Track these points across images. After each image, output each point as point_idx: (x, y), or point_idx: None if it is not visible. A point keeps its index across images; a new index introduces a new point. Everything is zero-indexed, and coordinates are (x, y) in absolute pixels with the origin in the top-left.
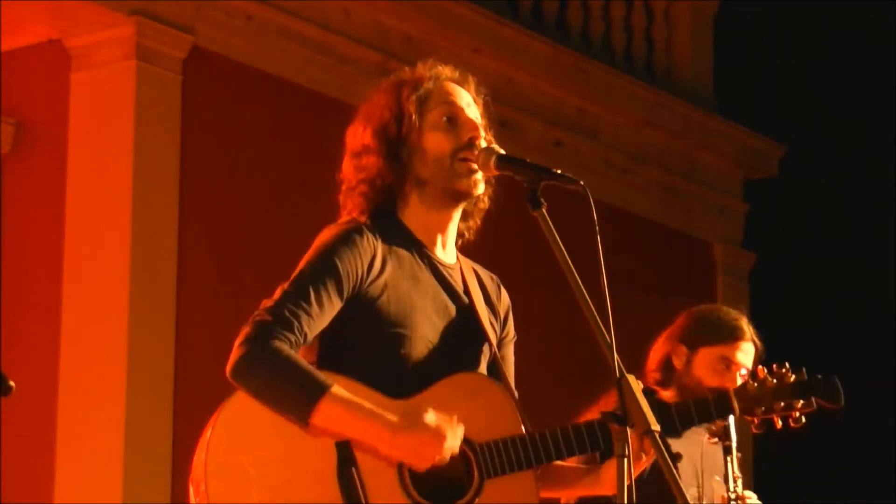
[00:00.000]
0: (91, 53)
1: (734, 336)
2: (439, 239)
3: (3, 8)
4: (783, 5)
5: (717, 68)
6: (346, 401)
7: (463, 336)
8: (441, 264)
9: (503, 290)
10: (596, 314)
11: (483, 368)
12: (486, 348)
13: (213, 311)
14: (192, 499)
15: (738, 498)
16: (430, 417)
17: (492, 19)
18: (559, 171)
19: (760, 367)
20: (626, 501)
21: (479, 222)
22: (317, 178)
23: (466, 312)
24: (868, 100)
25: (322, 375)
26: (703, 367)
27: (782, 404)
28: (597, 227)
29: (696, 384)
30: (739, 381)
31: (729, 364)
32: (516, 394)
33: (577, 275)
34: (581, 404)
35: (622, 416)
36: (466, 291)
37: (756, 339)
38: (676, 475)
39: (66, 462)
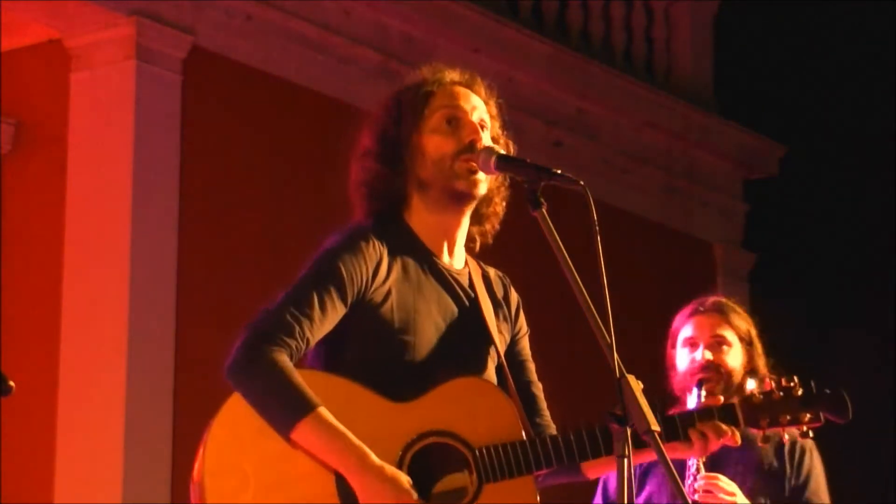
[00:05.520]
0: (91, 53)
1: (687, 314)
2: (446, 243)
3: (3, 8)
4: (783, 5)
5: (717, 68)
6: (328, 425)
7: (469, 341)
8: (447, 269)
9: (512, 289)
10: (596, 314)
11: (490, 373)
12: (492, 353)
13: (213, 311)
14: (191, 499)
15: (702, 478)
16: (405, 482)
17: (492, 19)
18: (559, 171)
19: (768, 379)
20: (626, 501)
21: (496, 226)
22: (316, 178)
23: (473, 318)
24: (868, 100)
25: (311, 394)
26: (681, 361)
27: (788, 417)
28: (597, 227)
29: (685, 380)
30: (703, 356)
31: (692, 343)
32: (538, 393)
33: (577, 275)
34: (581, 404)
35: (622, 417)
36: (474, 297)
37: (721, 309)
38: (676, 475)
39: (66, 462)
